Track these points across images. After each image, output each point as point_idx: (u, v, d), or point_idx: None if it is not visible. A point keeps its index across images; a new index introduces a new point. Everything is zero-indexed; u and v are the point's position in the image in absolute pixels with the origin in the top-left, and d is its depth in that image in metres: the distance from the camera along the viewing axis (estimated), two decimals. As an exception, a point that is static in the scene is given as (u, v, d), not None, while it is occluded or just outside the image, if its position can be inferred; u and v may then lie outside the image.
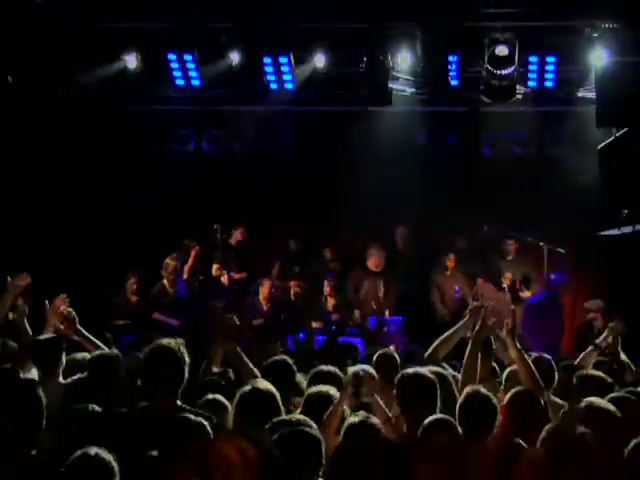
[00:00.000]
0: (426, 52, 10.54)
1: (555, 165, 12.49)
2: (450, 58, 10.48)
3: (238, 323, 6.54)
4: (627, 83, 9.90)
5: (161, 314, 11.39)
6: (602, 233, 10.97)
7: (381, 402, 5.23)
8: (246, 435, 4.54)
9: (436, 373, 5.44)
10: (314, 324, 11.05)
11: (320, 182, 12.90)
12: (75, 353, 6.43)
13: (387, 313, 11.50)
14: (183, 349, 4.86)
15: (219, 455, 3.62)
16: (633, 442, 4.26)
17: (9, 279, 6.76)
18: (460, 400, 5.14)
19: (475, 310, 6.24)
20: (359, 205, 12.32)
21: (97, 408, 4.76)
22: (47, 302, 6.51)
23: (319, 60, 10.75)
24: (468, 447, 4.81)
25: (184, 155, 13.43)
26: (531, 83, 10.73)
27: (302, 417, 4.59)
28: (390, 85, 10.84)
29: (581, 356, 7.14)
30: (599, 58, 10.15)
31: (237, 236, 12.25)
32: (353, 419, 4.89)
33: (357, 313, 11.45)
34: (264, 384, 5.05)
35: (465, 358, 5.91)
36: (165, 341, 4.90)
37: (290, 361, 6.06)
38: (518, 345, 5.67)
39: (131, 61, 10.82)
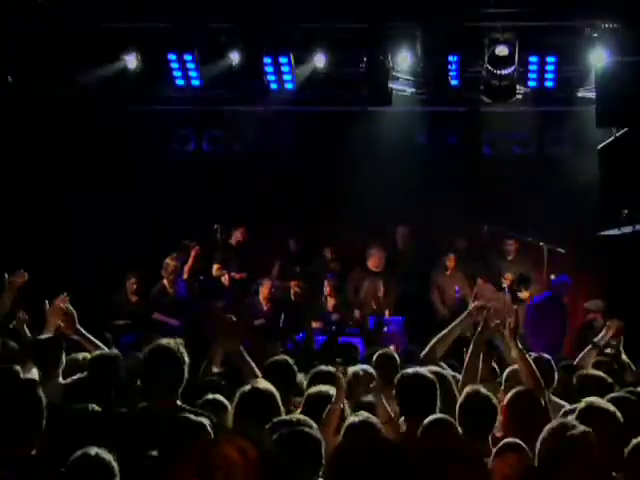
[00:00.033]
0: (426, 52, 10.54)
1: (555, 165, 12.49)
2: (450, 58, 10.48)
3: (239, 322, 6.55)
4: (627, 83, 9.90)
5: (161, 314, 11.39)
6: (602, 233, 10.96)
7: (385, 402, 5.24)
8: (246, 435, 4.54)
9: (436, 373, 5.45)
10: (314, 324, 11.05)
11: (320, 182, 12.90)
12: (75, 353, 6.43)
13: (387, 313, 11.50)
14: (183, 349, 4.86)
15: (220, 455, 3.61)
16: (633, 442, 4.26)
17: (6, 276, 6.79)
18: (460, 400, 5.14)
19: (476, 309, 6.25)
20: (359, 205, 12.32)
21: (97, 408, 4.75)
22: (47, 302, 6.52)
23: (319, 60, 10.75)
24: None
25: (184, 155, 13.43)
26: (531, 83, 10.74)
27: (302, 417, 4.58)
28: (390, 85, 10.84)
29: (580, 356, 7.15)
30: (599, 58, 10.14)
31: (237, 236, 12.25)
32: (353, 419, 4.89)
33: (357, 313, 11.45)
34: (264, 384, 5.05)
35: (467, 358, 5.91)
36: (165, 341, 4.90)
37: (291, 361, 6.06)
38: (520, 345, 5.67)
39: (131, 61, 10.82)
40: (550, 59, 10.47)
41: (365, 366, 6.38)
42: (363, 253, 11.99)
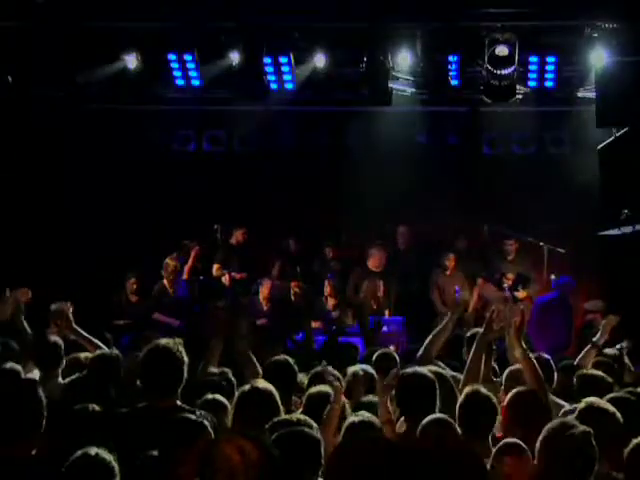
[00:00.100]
0: (426, 52, 10.55)
1: (555, 165, 12.50)
2: (450, 58, 10.48)
3: (244, 321, 6.56)
4: (627, 83, 9.91)
5: (161, 314, 11.40)
6: (602, 233, 10.97)
7: (388, 402, 5.24)
8: (246, 435, 4.54)
9: (435, 373, 5.45)
10: (314, 324, 11.05)
11: (320, 182, 12.90)
12: (76, 353, 6.44)
13: (387, 313, 11.50)
14: (182, 349, 4.86)
15: (220, 455, 3.61)
16: (633, 442, 4.26)
17: (8, 292, 6.77)
18: (460, 400, 5.14)
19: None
20: (359, 205, 12.32)
21: (97, 408, 4.76)
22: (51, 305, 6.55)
23: (319, 60, 10.75)
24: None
25: (184, 155, 13.42)
26: (531, 83, 10.74)
27: (302, 417, 4.59)
28: (390, 85, 10.84)
29: (580, 356, 7.16)
30: (599, 58, 10.15)
31: (237, 236, 12.25)
32: (353, 419, 4.89)
33: (350, 314, 11.44)
34: (263, 384, 5.05)
35: (469, 359, 5.91)
36: (163, 341, 4.90)
37: (291, 361, 6.06)
38: (524, 345, 5.67)
39: (131, 61, 10.81)
40: (550, 59, 10.47)
41: (365, 366, 6.39)
42: (363, 253, 11.99)
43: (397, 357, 6.86)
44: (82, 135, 12.46)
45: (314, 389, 5.42)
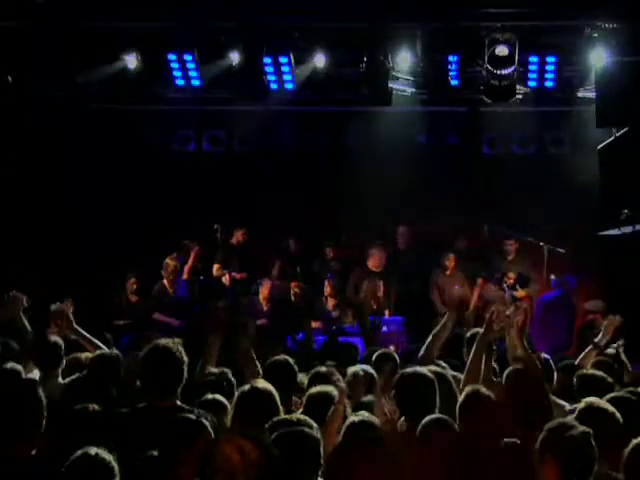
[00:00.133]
0: (426, 52, 10.55)
1: (555, 165, 12.50)
2: (450, 58, 10.49)
3: (246, 321, 6.56)
4: (627, 83, 9.91)
5: (161, 314, 11.40)
6: (602, 233, 10.97)
7: (385, 402, 5.24)
8: (246, 435, 4.54)
9: (435, 373, 5.45)
10: (314, 324, 11.05)
11: (320, 182, 12.90)
12: (76, 353, 6.45)
13: (387, 313, 11.50)
14: (181, 349, 4.86)
15: (220, 455, 3.61)
16: (633, 442, 4.25)
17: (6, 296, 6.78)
18: (460, 400, 5.14)
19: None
20: (359, 205, 12.32)
21: (97, 408, 4.76)
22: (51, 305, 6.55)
23: (319, 60, 10.75)
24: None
25: (184, 155, 13.43)
26: (531, 83, 10.75)
27: (302, 417, 4.58)
28: (390, 85, 10.84)
29: (581, 356, 7.15)
30: (599, 58, 10.15)
31: (238, 236, 12.24)
32: (353, 419, 4.89)
33: (350, 314, 11.44)
34: (263, 384, 5.05)
35: (469, 359, 5.91)
36: (163, 341, 4.90)
37: (291, 361, 6.06)
38: (526, 344, 5.67)
39: (131, 61, 10.82)
40: (550, 59, 10.48)
41: (365, 366, 6.39)
42: (363, 253, 11.99)
43: (397, 357, 6.86)
44: (82, 135, 12.46)
45: (314, 389, 5.41)
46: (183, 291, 11.68)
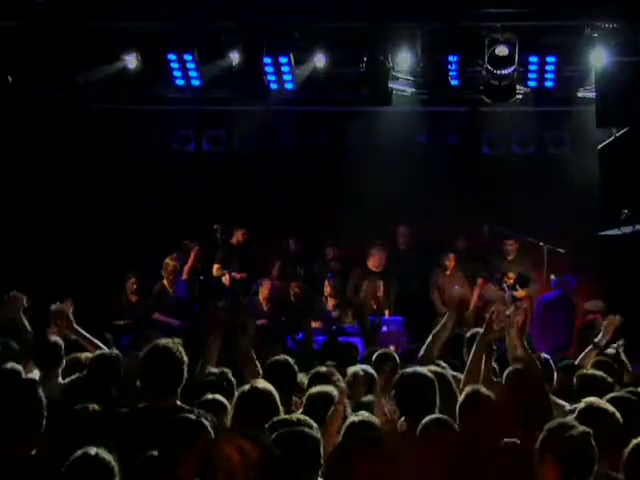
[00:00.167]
0: (426, 52, 10.55)
1: (555, 165, 12.50)
2: (450, 58, 10.49)
3: (246, 321, 6.56)
4: (627, 83, 9.92)
5: (161, 314, 11.40)
6: (602, 233, 10.97)
7: (384, 402, 5.24)
8: (247, 435, 4.54)
9: (435, 373, 5.45)
10: (314, 324, 11.05)
11: (320, 182, 12.90)
12: (76, 353, 6.45)
13: (387, 313, 11.50)
14: (181, 349, 4.86)
15: (221, 455, 3.61)
16: (633, 442, 4.26)
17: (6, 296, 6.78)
18: (460, 400, 5.14)
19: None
20: (359, 205, 12.32)
21: (97, 408, 4.76)
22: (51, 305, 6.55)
23: (319, 60, 10.75)
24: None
25: (184, 155, 13.43)
26: (531, 83, 10.75)
27: (302, 417, 4.58)
28: (390, 85, 10.85)
29: (581, 356, 7.16)
30: (599, 58, 10.16)
31: (238, 236, 12.24)
32: (353, 419, 4.89)
33: (350, 314, 11.44)
34: (263, 384, 5.05)
35: (469, 359, 5.91)
36: (163, 341, 4.90)
37: (291, 361, 6.06)
38: (526, 344, 5.67)
39: (131, 61, 10.82)
40: (550, 59, 10.48)
41: (365, 366, 6.39)
42: (363, 253, 11.99)
43: (397, 357, 6.86)
44: (82, 135, 12.46)
45: (314, 389, 5.41)
46: (183, 291, 11.68)
